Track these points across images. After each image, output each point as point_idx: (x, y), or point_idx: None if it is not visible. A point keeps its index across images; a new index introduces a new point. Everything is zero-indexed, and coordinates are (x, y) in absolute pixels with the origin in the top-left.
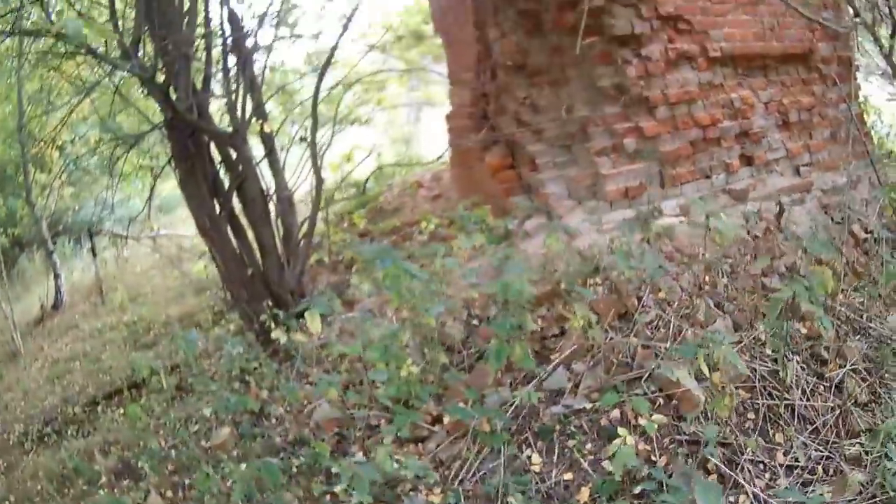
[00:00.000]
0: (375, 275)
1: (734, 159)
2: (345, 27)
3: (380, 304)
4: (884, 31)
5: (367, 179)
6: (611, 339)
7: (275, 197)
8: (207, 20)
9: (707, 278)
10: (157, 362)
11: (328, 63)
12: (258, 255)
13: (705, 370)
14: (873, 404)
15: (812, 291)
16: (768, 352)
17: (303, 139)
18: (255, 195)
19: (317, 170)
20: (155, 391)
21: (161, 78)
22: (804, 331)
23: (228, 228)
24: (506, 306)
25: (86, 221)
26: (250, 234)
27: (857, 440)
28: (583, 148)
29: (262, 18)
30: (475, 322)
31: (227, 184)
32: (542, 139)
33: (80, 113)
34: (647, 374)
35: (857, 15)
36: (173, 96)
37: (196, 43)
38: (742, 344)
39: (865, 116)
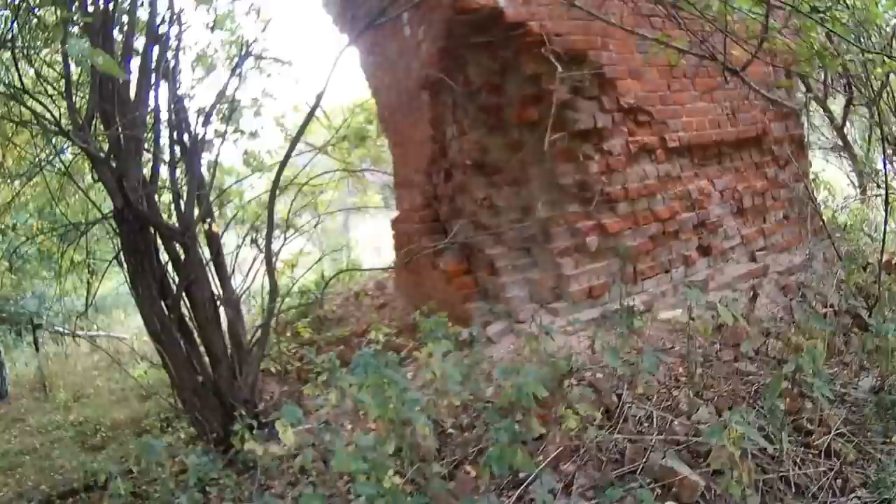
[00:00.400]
0: (340, 384)
1: (692, 251)
2: (305, 123)
3: (335, 415)
4: (835, 106)
5: (326, 284)
6: (597, 437)
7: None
8: (157, 109)
9: (682, 369)
10: (113, 467)
11: (286, 160)
12: (208, 361)
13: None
14: (862, 461)
15: (814, 364)
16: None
17: (253, 241)
18: (205, 298)
19: (271, 273)
20: (113, 496)
21: (113, 164)
22: (782, 406)
23: (177, 332)
24: (501, 411)
25: (27, 312)
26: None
27: (854, 495)
28: (544, 249)
29: (208, 113)
30: (449, 430)
31: (174, 285)
32: (501, 241)
33: (25, 195)
34: (639, 468)
35: (808, 90)
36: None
37: (147, 132)
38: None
39: (816, 193)
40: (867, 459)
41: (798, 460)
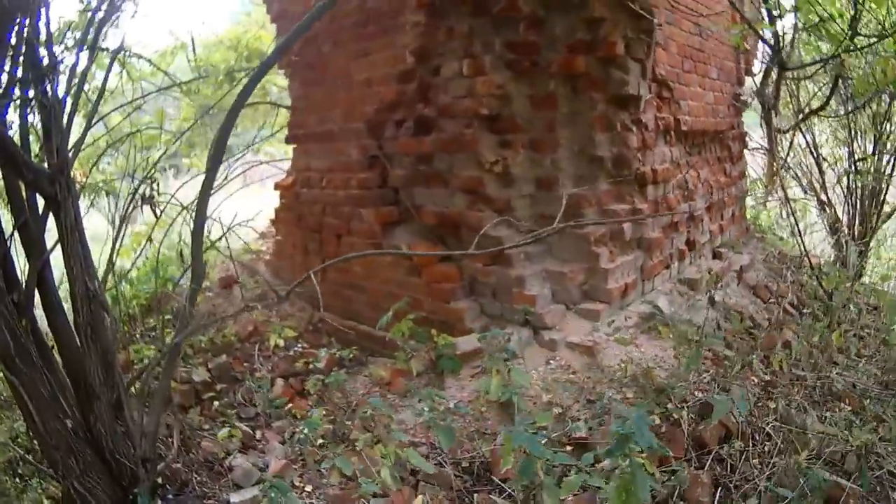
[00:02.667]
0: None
1: (684, 245)
2: None
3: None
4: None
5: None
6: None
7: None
8: None
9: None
10: None
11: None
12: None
13: None
14: None
15: None
16: None
17: (147, 198)
18: (80, 293)
19: (198, 250)
20: None
21: None
22: None
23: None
24: None
25: None
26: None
27: None
28: (571, 235)
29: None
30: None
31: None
32: (508, 221)
33: None
34: None
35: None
36: None
37: None
38: None
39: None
40: None
41: None
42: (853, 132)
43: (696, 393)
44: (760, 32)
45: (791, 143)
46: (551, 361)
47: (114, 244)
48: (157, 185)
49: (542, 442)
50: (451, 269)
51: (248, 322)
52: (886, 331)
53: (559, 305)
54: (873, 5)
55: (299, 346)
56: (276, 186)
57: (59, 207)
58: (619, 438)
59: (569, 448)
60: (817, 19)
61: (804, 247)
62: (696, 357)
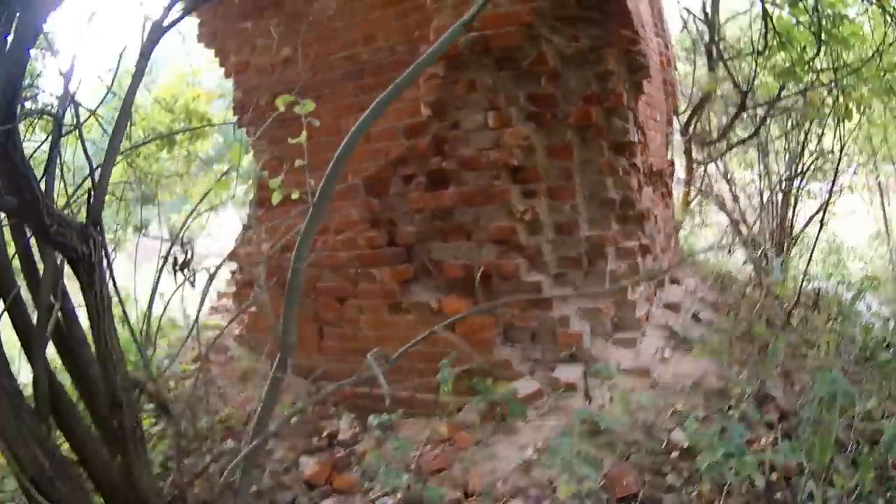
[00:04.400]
0: None
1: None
2: None
3: None
4: None
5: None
6: None
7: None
8: None
9: None
10: None
11: None
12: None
13: None
14: None
15: None
16: None
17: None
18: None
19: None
20: None
21: None
22: None
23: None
24: None
25: None
26: None
27: None
28: (594, 273)
29: None
30: None
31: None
32: (537, 266)
33: None
34: None
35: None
36: None
37: None
38: None
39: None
40: None
41: None
42: (766, 155)
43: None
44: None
45: (706, 170)
46: (607, 395)
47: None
48: (192, 249)
49: None
50: (487, 318)
51: (244, 401)
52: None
53: (598, 338)
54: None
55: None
56: (237, 256)
57: (93, 271)
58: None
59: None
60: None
61: (754, 262)
62: (777, 350)
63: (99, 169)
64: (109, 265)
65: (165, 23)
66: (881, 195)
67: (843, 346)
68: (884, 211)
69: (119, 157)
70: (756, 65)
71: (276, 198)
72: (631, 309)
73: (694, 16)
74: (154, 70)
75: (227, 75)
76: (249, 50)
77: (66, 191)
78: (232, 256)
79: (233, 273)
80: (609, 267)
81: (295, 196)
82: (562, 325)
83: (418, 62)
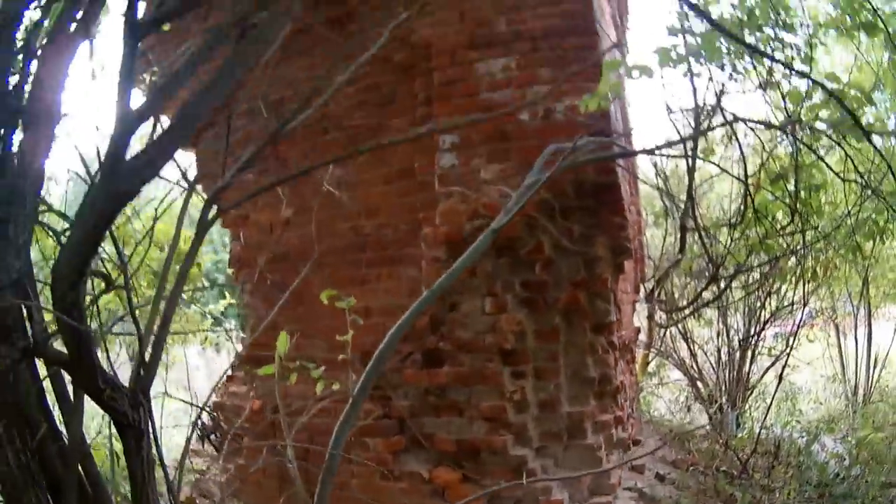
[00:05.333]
0: None
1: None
2: None
3: None
4: None
5: None
6: None
7: None
8: None
9: None
10: None
11: None
12: None
13: None
14: None
15: None
16: None
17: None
18: None
19: None
20: None
21: None
22: None
23: None
24: None
25: None
26: None
27: None
28: (575, 446)
29: None
30: None
31: None
32: (522, 441)
33: None
34: None
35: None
36: None
37: None
38: None
39: None
40: None
41: None
42: (725, 313)
43: None
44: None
45: (666, 332)
46: None
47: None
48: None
49: None
50: (476, 488)
51: None
52: None
53: None
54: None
55: None
56: (221, 406)
57: (141, 437)
58: None
59: None
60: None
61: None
62: None
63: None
64: (155, 433)
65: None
66: (838, 337)
67: (801, 488)
68: (840, 352)
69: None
70: (731, 239)
71: (267, 371)
72: (606, 476)
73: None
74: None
75: (226, 226)
76: (250, 204)
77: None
78: (216, 407)
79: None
80: (587, 440)
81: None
82: (543, 495)
83: (455, 266)
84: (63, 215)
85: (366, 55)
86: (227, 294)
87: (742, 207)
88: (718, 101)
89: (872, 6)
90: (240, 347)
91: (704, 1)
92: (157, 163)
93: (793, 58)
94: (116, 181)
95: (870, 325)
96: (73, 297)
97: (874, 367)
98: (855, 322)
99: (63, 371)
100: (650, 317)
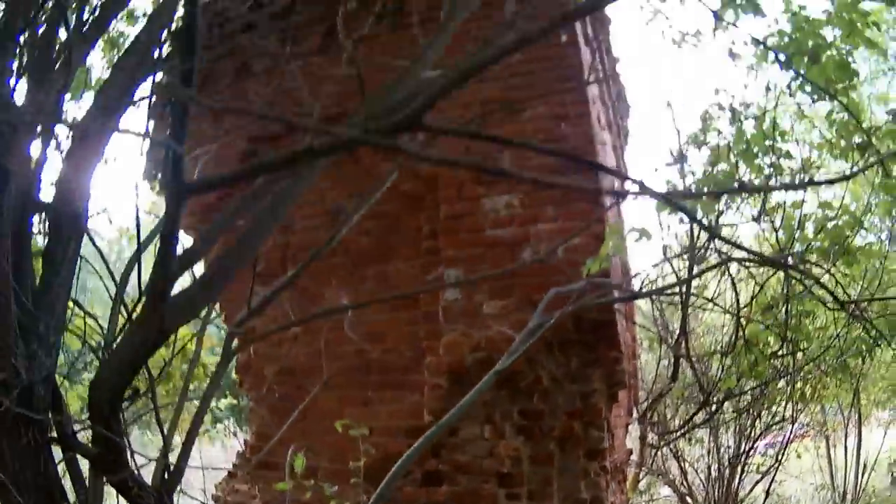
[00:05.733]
0: None
1: None
2: None
3: None
4: None
5: None
6: None
7: None
8: None
9: None
10: None
11: None
12: None
13: None
14: None
15: None
16: None
17: None
18: None
19: None
20: None
21: None
22: None
23: None
24: None
25: None
26: None
27: None
28: None
29: None
30: None
31: None
32: None
33: None
34: None
35: None
36: None
37: None
38: None
39: None
40: None
41: None
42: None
43: None
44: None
45: (657, 452)
46: None
47: None
48: None
49: None
50: None
51: None
52: None
53: None
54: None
55: None
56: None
57: None
58: None
59: None
60: None
61: None
62: None
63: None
64: None
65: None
66: (828, 448)
67: None
68: (830, 462)
69: None
70: (722, 367)
71: (282, 487)
72: None
73: (663, 317)
74: None
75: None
76: (259, 317)
77: None
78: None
79: None
80: None
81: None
82: None
83: (460, 404)
84: (92, 316)
85: (380, 188)
86: (228, 394)
87: (734, 338)
88: (710, 240)
89: (864, 129)
90: (238, 443)
91: (704, 129)
92: (196, 306)
93: (790, 179)
94: (157, 321)
95: (860, 432)
96: (112, 414)
97: (863, 473)
98: (845, 431)
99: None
100: (643, 438)
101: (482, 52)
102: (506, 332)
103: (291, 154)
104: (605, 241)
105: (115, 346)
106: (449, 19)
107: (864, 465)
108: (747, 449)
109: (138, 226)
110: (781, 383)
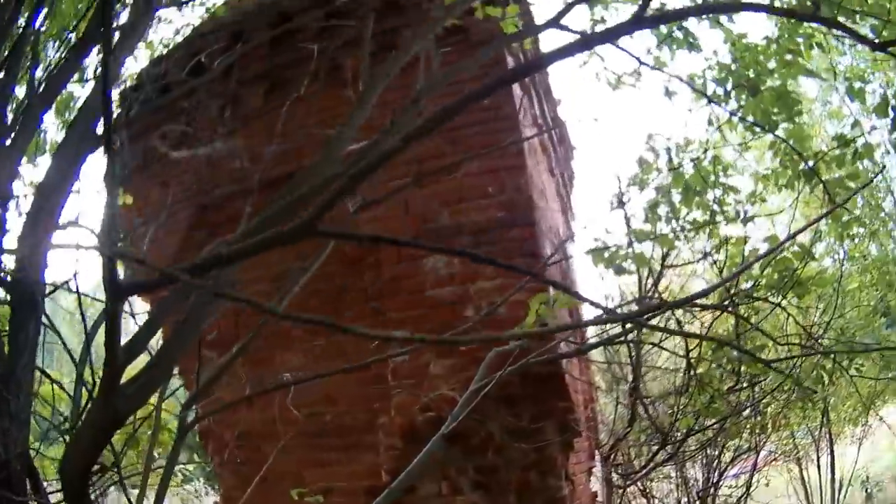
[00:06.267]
0: None
1: None
2: None
3: None
4: None
5: None
6: None
7: None
8: None
9: None
10: None
11: None
12: None
13: None
14: None
15: None
16: None
17: None
18: None
19: None
20: None
21: None
22: None
23: None
24: None
25: None
26: None
27: None
28: None
29: None
30: None
31: None
32: None
33: None
34: None
35: None
36: None
37: None
38: None
39: None
40: None
41: None
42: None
43: None
44: None
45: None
46: None
47: None
48: None
49: None
50: None
51: None
52: None
53: None
54: None
55: None
56: None
57: None
58: None
59: None
60: None
61: None
62: None
63: None
64: None
65: None
66: (801, 471)
67: None
68: (804, 483)
69: None
70: (678, 407)
71: None
72: None
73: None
74: None
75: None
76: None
77: None
78: None
79: None
80: None
81: None
82: None
83: (410, 469)
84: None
85: (322, 254)
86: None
87: (686, 378)
88: (655, 285)
89: (804, 159)
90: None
91: (640, 178)
92: (147, 392)
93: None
94: (111, 410)
95: (832, 451)
96: (81, 488)
97: (839, 490)
98: (817, 452)
99: None
100: (608, 480)
101: (387, 141)
102: (450, 394)
103: (206, 261)
104: (531, 310)
105: (78, 426)
106: (368, 91)
107: (840, 483)
108: (715, 481)
109: (83, 316)
110: (745, 413)
